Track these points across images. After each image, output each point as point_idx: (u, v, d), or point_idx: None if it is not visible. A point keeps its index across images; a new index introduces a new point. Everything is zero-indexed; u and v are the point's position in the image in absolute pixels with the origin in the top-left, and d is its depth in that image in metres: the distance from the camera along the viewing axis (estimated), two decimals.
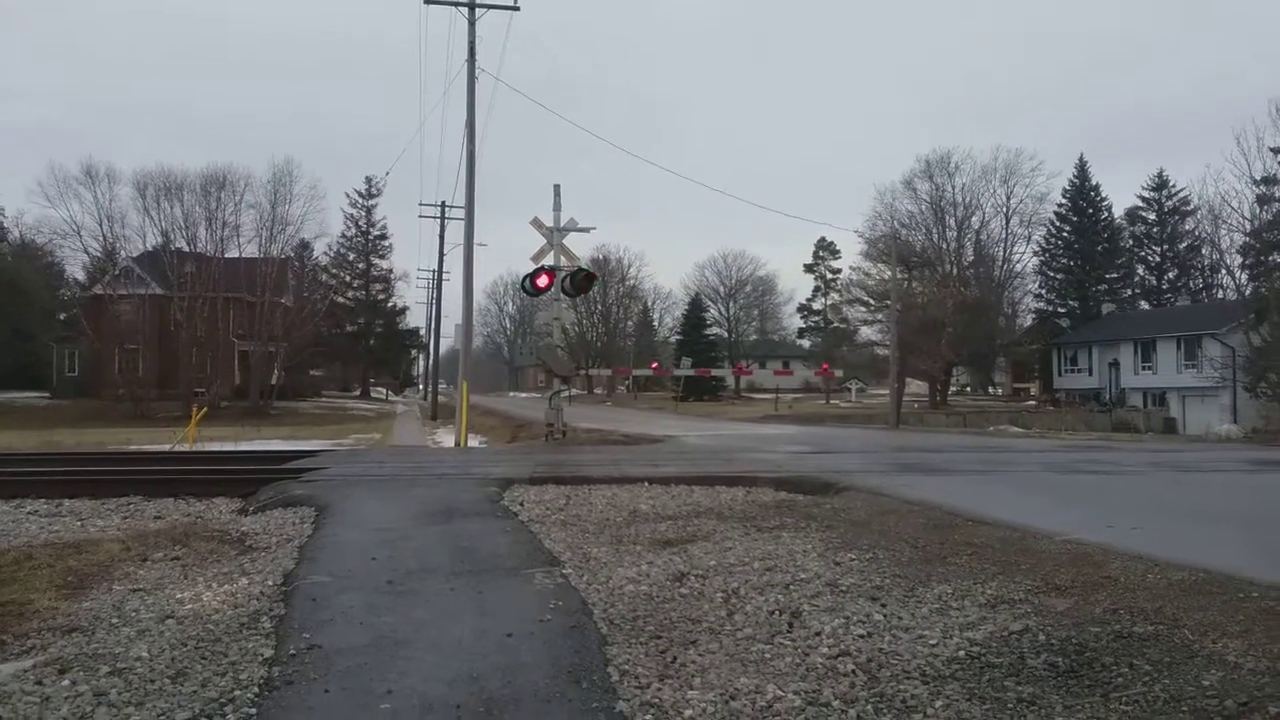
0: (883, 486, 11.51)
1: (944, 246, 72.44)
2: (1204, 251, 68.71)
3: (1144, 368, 56.32)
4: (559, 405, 21.96)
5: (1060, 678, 4.49)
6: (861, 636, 5.22)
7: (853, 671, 4.68)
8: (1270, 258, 45.67)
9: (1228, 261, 60.30)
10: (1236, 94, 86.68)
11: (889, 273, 55.19)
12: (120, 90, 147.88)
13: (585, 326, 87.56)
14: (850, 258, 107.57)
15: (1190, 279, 70.97)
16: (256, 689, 4.47)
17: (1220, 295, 65.02)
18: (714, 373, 64.11)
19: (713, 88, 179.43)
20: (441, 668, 4.76)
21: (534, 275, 20.83)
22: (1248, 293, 53.30)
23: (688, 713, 4.18)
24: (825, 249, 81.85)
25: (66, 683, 4.58)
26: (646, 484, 12.02)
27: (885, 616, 5.58)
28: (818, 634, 5.29)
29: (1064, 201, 71.07)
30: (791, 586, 6.38)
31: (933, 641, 5.09)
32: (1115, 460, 17.24)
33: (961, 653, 4.90)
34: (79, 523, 9.73)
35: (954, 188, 72.69)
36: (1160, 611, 5.36)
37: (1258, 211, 48.76)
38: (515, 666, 4.76)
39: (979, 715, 4.11)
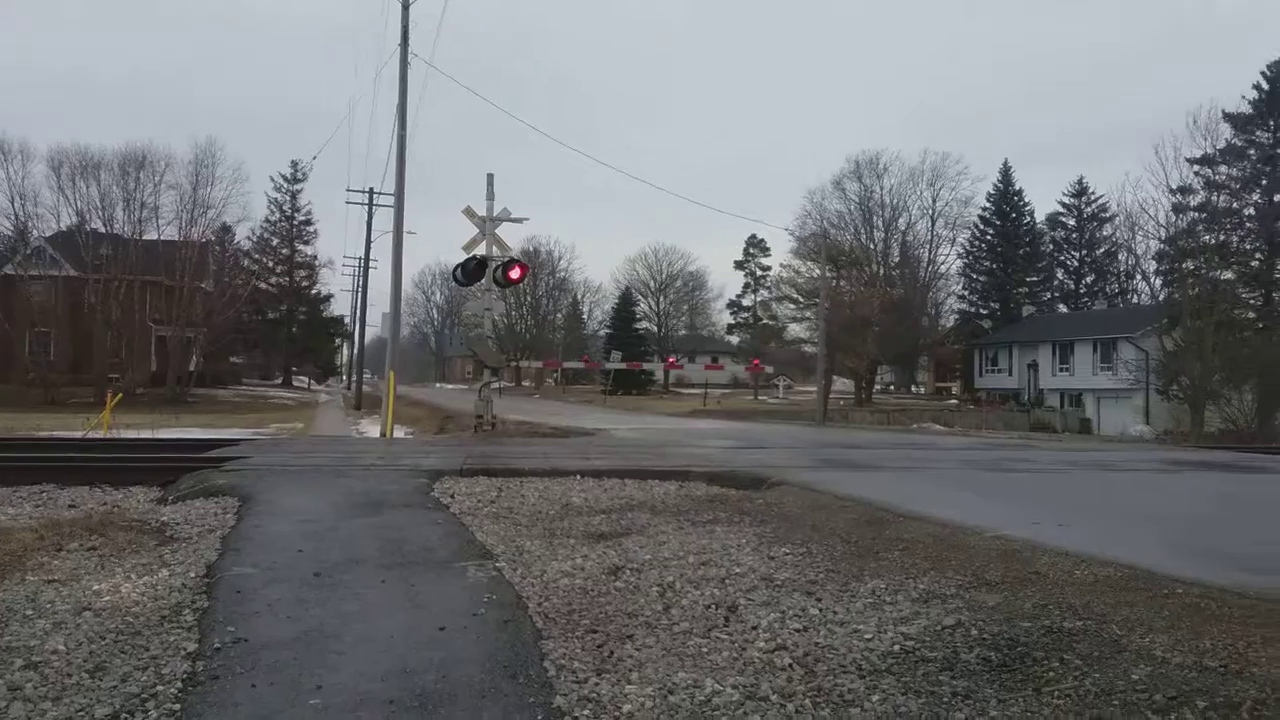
0: (813, 482, 11.59)
1: (871, 247, 73.69)
2: (1120, 257, 70.93)
3: (1061, 369, 57.88)
4: (489, 396, 21.74)
5: (993, 671, 4.55)
6: (798, 631, 5.23)
7: (790, 665, 4.69)
8: (1184, 264, 47.21)
9: (1144, 267, 62.28)
10: (1157, 104, 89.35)
11: (818, 271, 55.90)
12: (37, 65, 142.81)
13: (514, 318, 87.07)
14: (780, 255, 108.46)
15: (1107, 284, 73.21)
16: (180, 684, 4.31)
17: (1135, 300, 67.16)
18: (645, 366, 64.26)
19: (649, 81, 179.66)
20: (373, 662, 4.65)
21: (465, 265, 20.63)
22: (1162, 298, 55.09)
23: (626, 707, 4.14)
24: (756, 246, 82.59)
25: None
26: (579, 477, 11.94)
27: (821, 611, 5.60)
28: (754, 628, 5.28)
29: (988, 205, 72.88)
30: (727, 581, 6.38)
31: (868, 636, 5.12)
32: (1037, 458, 17.63)
33: (896, 647, 4.93)
34: None
35: (882, 189, 74.06)
36: (1089, 607, 5.46)
37: (1173, 219, 50.38)
38: (449, 661, 4.67)
39: (915, 709, 4.13)
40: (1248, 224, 51.32)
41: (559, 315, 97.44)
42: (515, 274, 21.56)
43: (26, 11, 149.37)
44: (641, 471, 12.46)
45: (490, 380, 22.35)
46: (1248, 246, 51.30)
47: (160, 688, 4.25)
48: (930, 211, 75.07)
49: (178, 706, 4.05)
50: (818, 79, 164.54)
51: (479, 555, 7.19)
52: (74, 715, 3.95)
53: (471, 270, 20.65)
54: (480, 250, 21.29)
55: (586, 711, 4.09)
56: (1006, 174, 72.79)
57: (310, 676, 4.42)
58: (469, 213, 21.49)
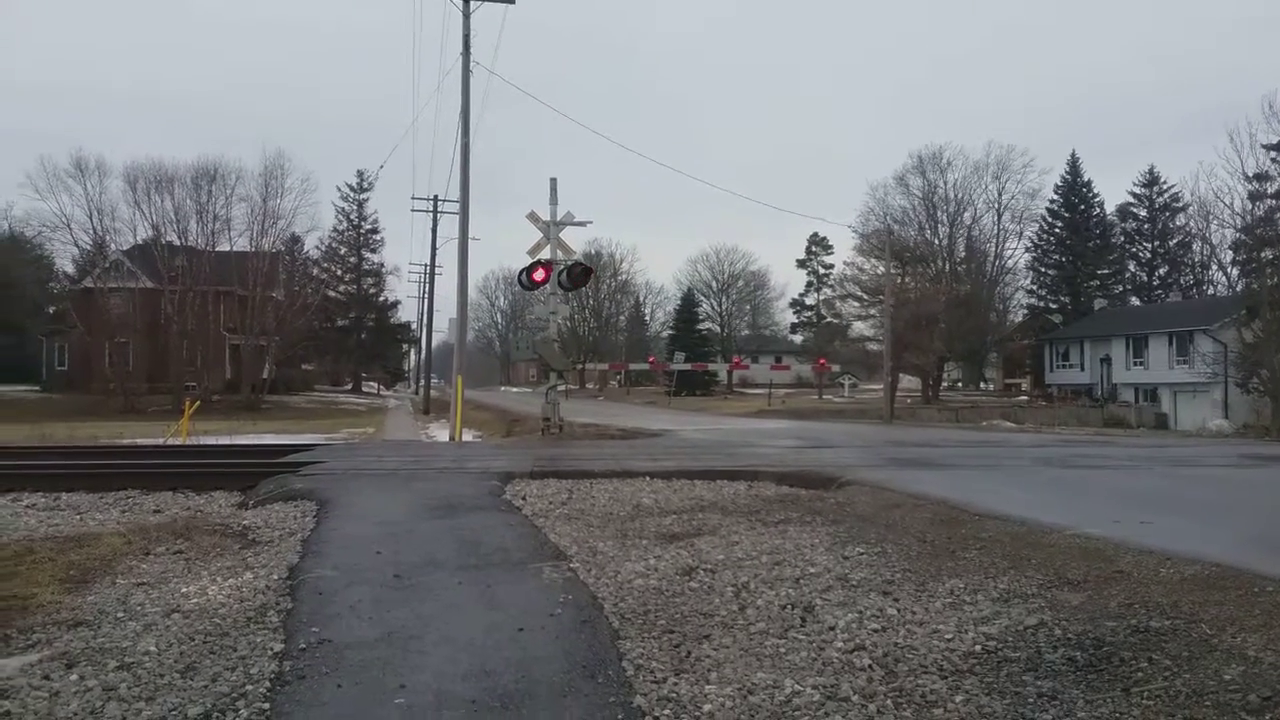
0: (885, 481, 11.48)
1: (936, 242, 72.53)
2: (1195, 248, 68.99)
3: (1135, 363, 56.48)
4: (555, 399, 21.88)
5: (1079, 672, 4.47)
6: (876, 631, 5.19)
7: (869, 666, 4.66)
8: (1262, 253, 45.73)
9: (1219, 257, 60.54)
10: (1230, 91, 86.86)
11: (882, 268, 55.28)
12: (110, 82, 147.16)
13: (577, 321, 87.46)
14: (843, 253, 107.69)
15: (1181, 275, 71.23)
16: (268, 683, 4.41)
17: (1211, 291, 65.28)
18: (709, 367, 64.11)
19: (708, 84, 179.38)
20: (454, 662, 4.72)
21: (530, 269, 20.77)
22: (1239, 288, 53.47)
23: (706, 707, 4.14)
24: (818, 244, 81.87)
25: (74, 677, 4.52)
26: (648, 478, 11.96)
27: (898, 611, 5.55)
28: (831, 629, 5.26)
29: (1056, 198, 71.31)
30: (801, 581, 6.35)
31: (948, 636, 5.06)
32: (1112, 455, 17.26)
33: (978, 647, 4.88)
34: (78, 516, 9.64)
35: (946, 184, 72.83)
36: (1176, 606, 5.34)
37: (1250, 207, 48.87)
38: (528, 661, 4.72)
39: (999, 710, 4.08)
40: None
41: (621, 318, 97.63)
42: (580, 277, 21.64)
43: (91, 28, 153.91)
44: (710, 472, 12.44)
45: (556, 383, 22.47)
46: None
47: (249, 687, 4.36)
48: (996, 205, 73.73)
49: (267, 706, 4.15)
50: (875, 73, 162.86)
51: (553, 556, 7.24)
52: (167, 715, 4.07)
53: (536, 275, 20.78)
54: (545, 254, 21.42)
55: (667, 711, 4.11)
56: (1074, 165, 71.27)
57: (394, 676, 4.50)
58: (533, 217, 21.64)
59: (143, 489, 11.24)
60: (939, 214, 73.19)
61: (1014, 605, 5.57)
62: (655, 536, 8.07)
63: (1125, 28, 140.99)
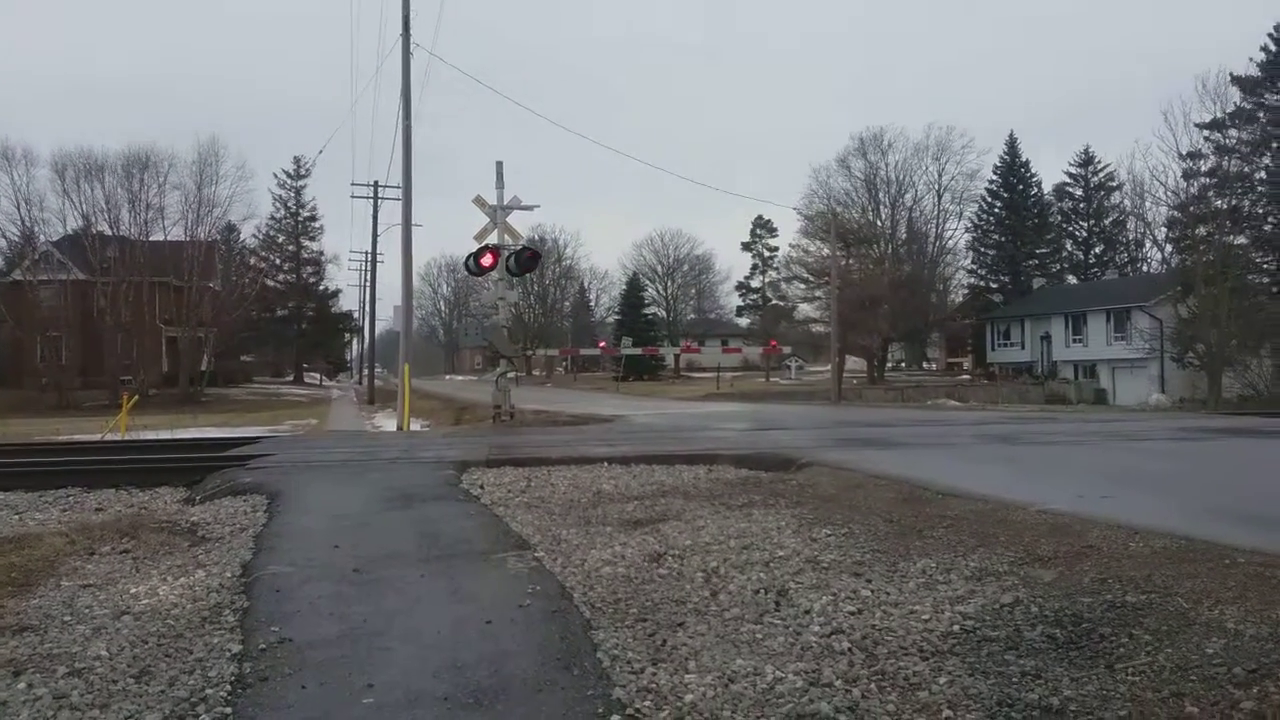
0: (843, 461, 11.48)
1: (878, 224, 73.28)
2: (1130, 226, 70.36)
3: (1075, 340, 57.55)
4: (506, 386, 21.66)
5: (1060, 649, 4.43)
6: (852, 613, 5.12)
7: (849, 650, 4.57)
8: (1196, 231, 46.79)
9: (1154, 235, 61.75)
10: (1162, 71, 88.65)
11: (827, 250, 55.61)
12: (34, 68, 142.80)
13: (522, 308, 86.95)
14: (788, 236, 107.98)
15: (1116, 253, 72.66)
16: (229, 686, 4.21)
17: (1146, 269, 66.68)
18: (660, 351, 64.14)
19: (647, 63, 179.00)
20: (422, 658, 4.55)
21: (478, 254, 20.51)
22: (1173, 266, 54.63)
23: (688, 697, 4.02)
24: (763, 227, 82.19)
25: (22, 685, 4.27)
26: (606, 464, 11.83)
27: (873, 592, 5.49)
28: (807, 612, 5.17)
29: (995, 178, 72.36)
30: (772, 564, 6.26)
31: (925, 617, 5.00)
32: (1060, 430, 17.50)
33: (956, 627, 4.82)
34: (16, 516, 9.25)
35: (887, 165, 73.58)
36: (1150, 580, 5.34)
37: (1184, 185, 49.93)
38: (500, 655, 4.57)
39: (985, 690, 4.02)
40: (1259, 188, 50.86)
41: (566, 304, 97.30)
42: (528, 262, 21.42)
43: (19, 12, 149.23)
44: (668, 456, 12.34)
45: (506, 370, 22.23)
46: (1260, 210, 50.86)
47: (209, 691, 4.15)
48: (936, 186, 74.61)
49: (229, 710, 3.95)
50: (817, 56, 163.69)
51: (516, 546, 7.08)
52: None
53: (483, 260, 20.50)
54: (492, 239, 21.15)
55: (648, 703, 3.98)
56: (1013, 145, 72.30)
57: (360, 675, 4.32)
58: (479, 202, 21.34)
59: (84, 487, 10.84)
60: (881, 195, 74.02)
61: (988, 583, 5.53)
62: (619, 523, 7.94)
63: (1061, 7, 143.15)
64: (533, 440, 15.89)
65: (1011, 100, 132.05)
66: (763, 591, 5.61)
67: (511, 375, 22.42)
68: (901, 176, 74.06)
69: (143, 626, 5.15)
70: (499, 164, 21.88)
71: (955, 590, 5.45)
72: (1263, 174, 51.03)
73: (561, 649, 4.66)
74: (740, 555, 6.55)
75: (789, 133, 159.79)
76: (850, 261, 63.29)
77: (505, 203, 21.44)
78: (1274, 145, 50.78)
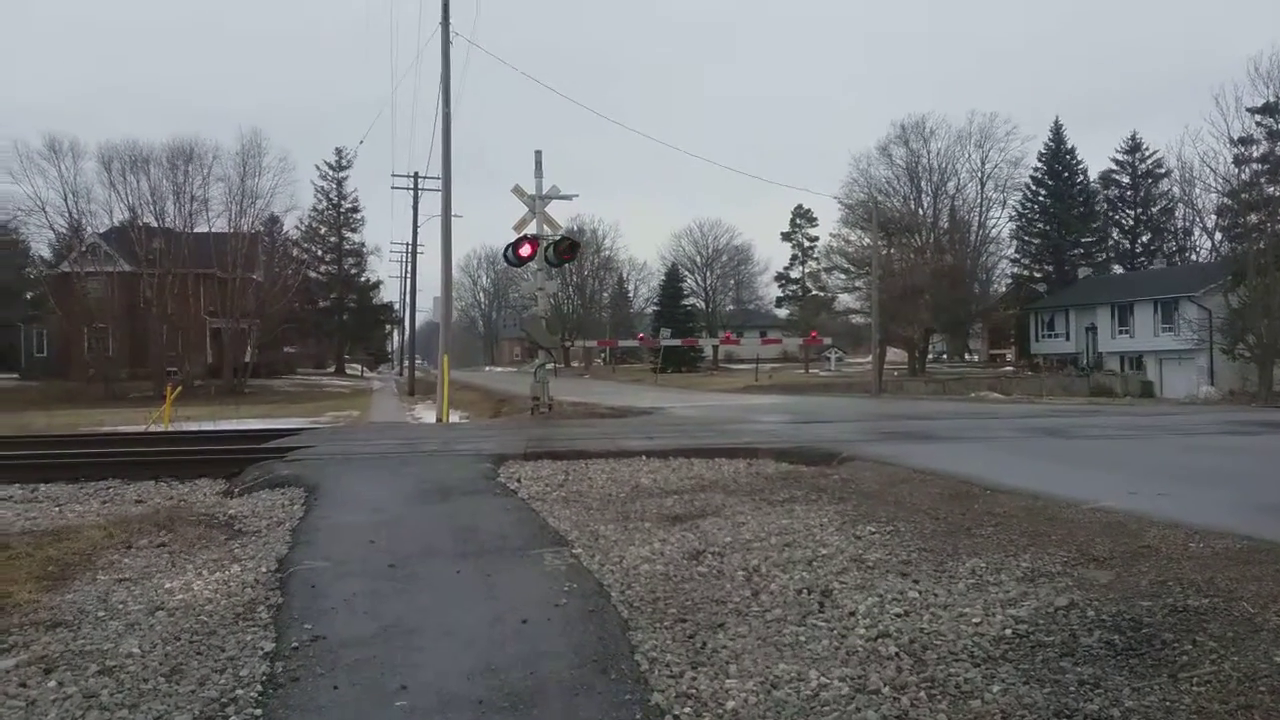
0: (886, 455, 11.26)
1: (920, 213, 72.27)
2: (1177, 214, 68.96)
3: (1121, 331, 56.50)
4: (544, 378, 21.54)
5: (1119, 657, 4.23)
6: (899, 616, 4.94)
7: (896, 654, 4.41)
8: (1247, 218, 45.66)
9: (1205, 223, 60.44)
10: (1213, 58, 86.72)
11: (868, 239, 55.08)
12: (85, 65, 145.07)
13: (561, 299, 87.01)
14: (828, 225, 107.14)
15: (1164, 242, 71.26)
16: (260, 686, 4.13)
17: (1194, 258, 65.32)
18: (699, 343, 63.91)
19: (686, 53, 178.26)
20: (456, 659, 4.45)
21: (516, 244, 20.37)
22: (1222, 254, 53.46)
23: (729, 704, 3.89)
24: (802, 216, 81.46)
25: (53, 684, 4.23)
26: (644, 457, 11.69)
27: (920, 594, 5.30)
28: (852, 614, 5.01)
29: (1039, 165, 71.05)
30: (815, 563, 6.09)
31: (976, 620, 4.82)
32: (1108, 424, 17.12)
33: (1008, 631, 4.63)
34: (56, 508, 9.30)
35: (929, 153, 72.37)
36: (1212, 583, 5.11)
37: (1235, 172, 48.73)
38: (536, 656, 4.46)
39: (1040, 700, 3.84)
40: None
41: (605, 295, 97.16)
42: (567, 252, 21.27)
43: (64, 13, 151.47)
44: (708, 450, 12.19)
45: (545, 361, 22.13)
46: None
47: (240, 691, 4.08)
48: (979, 174, 73.33)
49: (259, 712, 3.88)
50: (856, 45, 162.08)
51: (553, 542, 6.97)
52: None
53: (523, 250, 20.37)
54: (531, 229, 21.02)
55: (688, 709, 3.85)
56: (1058, 132, 70.99)
57: (393, 676, 4.23)
58: (518, 191, 21.22)
59: (124, 479, 10.89)
60: (922, 184, 72.83)
61: (1040, 585, 5.33)
62: (658, 518, 7.81)
63: None
64: (571, 432, 15.79)
65: (1057, 85, 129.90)
66: (806, 592, 5.45)
67: (550, 367, 22.30)
68: (943, 164, 72.92)
69: (176, 623, 5.10)
70: (538, 153, 21.73)
71: (1007, 592, 5.25)
72: None
73: (599, 650, 4.54)
74: (782, 553, 6.38)
75: (829, 121, 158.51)
76: (891, 251, 62.64)
77: (544, 192, 21.29)
78: None
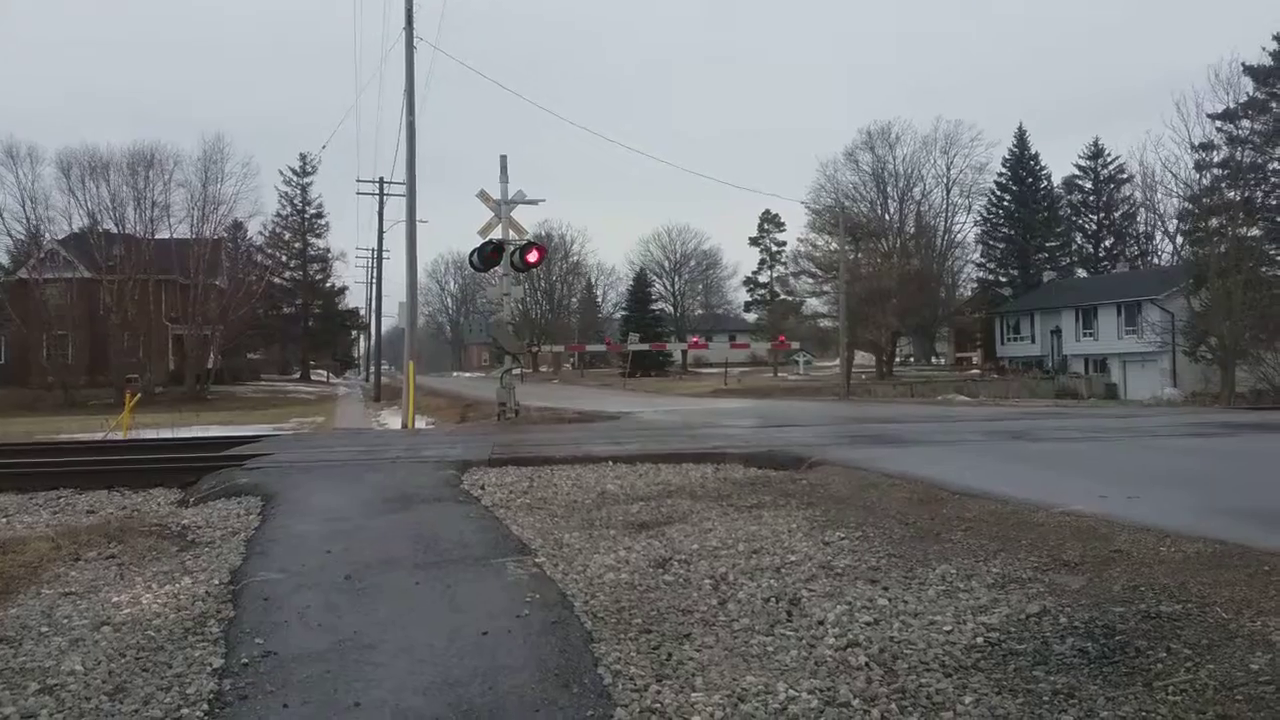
0: (855, 459, 11.19)
1: (886, 218, 72.78)
2: (1140, 218, 69.77)
3: (1085, 334, 57.05)
4: (510, 383, 21.36)
5: (1093, 665, 4.14)
6: (869, 624, 4.83)
7: (866, 665, 4.29)
8: (1208, 222, 46.22)
9: (1166, 227, 61.12)
10: (1174, 66, 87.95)
11: (835, 244, 55.30)
12: (42, 69, 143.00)
13: (529, 304, 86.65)
14: (796, 230, 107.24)
15: (1126, 246, 72.06)
16: (206, 705, 3.95)
17: (1157, 261, 66.07)
18: (667, 347, 63.89)
19: (654, 59, 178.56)
20: (413, 674, 4.28)
21: (482, 249, 20.20)
22: (1183, 258, 54.08)
23: (695, 719, 3.75)
24: (770, 221, 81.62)
25: None
26: (611, 463, 11.55)
27: (890, 601, 5.20)
28: (821, 623, 4.89)
29: (1004, 171, 71.69)
30: (783, 570, 5.98)
31: (946, 628, 4.72)
32: (1074, 426, 17.17)
33: (979, 639, 4.53)
34: (3, 519, 9.00)
35: (895, 159, 72.97)
36: (1184, 588, 5.04)
37: (1196, 177, 49.35)
38: (495, 670, 4.30)
39: (1013, 711, 3.73)
40: (1272, 179, 50.17)
41: (573, 300, 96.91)
42: (533, 257, 21.11)
43: (27, 14, 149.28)
44: (675, 455, 12.07)
45: (511, 367, 21.94)
46: (1273, 202, 50.17)
47: (185, 710, 3.90)
48: (945, 180, 73.93)
49: None
50: (824, 50, 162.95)
51: (516, 551, 6.81)
52: None
53: (488, 255, 20.20)
54: (496, 234, 20.88)
55: None
56: (1022, 138, 71.63)
57: (347, 692, 4.06)
58: (483, 196, 21.06)
59: (77, 488, 10.60)
60: (889, 189, 73.46)
61: (1011, 591, 5.24)
62: (624, 526, 7.67)
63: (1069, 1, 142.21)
64: (537, 438, 15.62)
65: (1021, 92, 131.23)
66: (774, 600, 5.33)
67: (516, 372, 22.14)
68: (909, 170, 73.52)
69: (122, 638, 4.90)
70: (503, 158, 21.58)
71: (978, 599, 5.16)
72: (1276, 164, 50.32)
73: (561, 664, 4.39)
74: (750, 560, 6.27)
75: (796, 128, 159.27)
76: (859, 255, 62.92)
77: (509, 197, 21.15)
78: None
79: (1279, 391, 39.12)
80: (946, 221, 74.89)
